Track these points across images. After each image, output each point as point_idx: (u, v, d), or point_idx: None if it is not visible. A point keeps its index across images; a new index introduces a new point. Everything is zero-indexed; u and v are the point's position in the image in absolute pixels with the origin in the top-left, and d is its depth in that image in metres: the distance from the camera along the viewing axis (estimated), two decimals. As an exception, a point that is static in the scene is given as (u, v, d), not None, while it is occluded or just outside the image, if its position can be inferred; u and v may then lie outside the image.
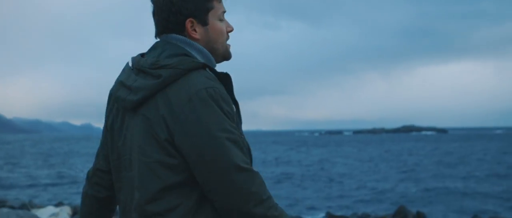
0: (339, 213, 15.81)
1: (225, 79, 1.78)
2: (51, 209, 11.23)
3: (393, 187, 24.91)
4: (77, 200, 18.84)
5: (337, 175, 31.01)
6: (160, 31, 1.82)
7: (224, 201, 1.64)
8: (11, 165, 39.72)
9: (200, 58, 1.78)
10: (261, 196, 1.64)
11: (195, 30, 1.79)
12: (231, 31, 1.88)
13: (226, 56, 1.88)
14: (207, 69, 1.74)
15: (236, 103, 1.79)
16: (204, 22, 1.79)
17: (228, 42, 1.89)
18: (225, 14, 1.86)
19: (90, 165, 2.05)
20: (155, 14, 1.82)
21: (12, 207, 11.87)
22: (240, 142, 1.67)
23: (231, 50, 1.91)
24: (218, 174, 1.61)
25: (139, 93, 1.70)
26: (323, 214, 16.53)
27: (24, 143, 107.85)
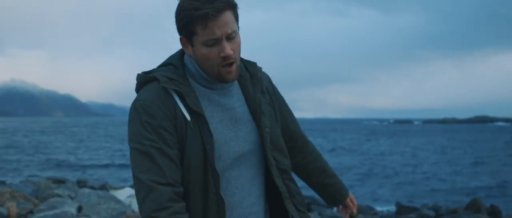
0: (409, 205, 15.55)
1: (178, 93, 1.86)
2: (128, 191, 11.66)
3: (466, 179, 24.23)
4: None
5: (406, 166, 30.45)
6: None
7: None
8: (84, 148, 41.41)
9: (193, 71, 1.92)
10: (147, 212, 1.72)
11: (187, 48, 1.92)
12: (225, 57, 1.82)
13: (220, 79, 1.88)
14: (162, 83, 1.84)
15: (196, 113, 1.84)
16: (191, 43, 1.87)
17: (231, 65, 1.85)
18: (222, 40, 1.81)
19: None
20: None
21: (92, 188, 12.43)
22: (152, 154, 1.76)
23: (236, 72, 1.89)
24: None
25: None
26: (393, 205, 16.33)
27: (99, 125, 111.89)
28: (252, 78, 2.02)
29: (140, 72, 1.94)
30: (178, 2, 1.84)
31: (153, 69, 1.94)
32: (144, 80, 1.91)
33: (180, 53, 1.97)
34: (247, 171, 1.95)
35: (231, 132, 1.90)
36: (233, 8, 1.83)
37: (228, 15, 1.80)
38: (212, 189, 1.84)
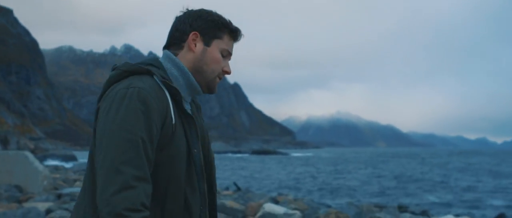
0: None
1: (174, 92, 1.80)
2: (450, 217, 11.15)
3: None
4: (474, 213, 18.26)
5: None
6: (166, 43, 1.96)
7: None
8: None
9: (177, 75, 1.88)
10: (116, 208, 1.59)
11: (195, 44, 1.89)
12: (227, 72, 1.96)
13: (210, 87, 1.95)
14: (155, 76, 1.78)
15: (189, 117, 1.84)
16: (206, 43, 1.90)
17: (220, 78, 1.97)
18: (229, 57, 1.96)
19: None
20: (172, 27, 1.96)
21: (413, 213, 12.31)
22: (139, 144, 1.65)
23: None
24: (98, 167, 1.65)
25: (101, 92, 1.86)
26: None
27: (422, 155, 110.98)
28: (197, 108, 2.05)
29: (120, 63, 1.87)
30: (198, 10, 1.93)
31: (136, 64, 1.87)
32: (133, 70, 1.80)
33: (157, 58, 1.93)
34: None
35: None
36: None
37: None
38: (198, 193, 1.85)
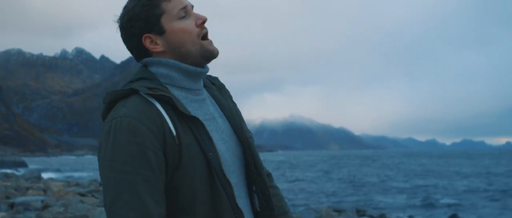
0: None
1: (165, 99, 1.59)
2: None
3: None
4: (430, 214, 18.71)
5: None
6: (136, 57, 1.75)
7: None
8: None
9: (167, 71, 1.68)
10: None
11: (156, 44, 1.68)
12: (202, 22, 1.69)
13: (206, 54, 1.70)
14: (141, 92, 1.58)
15: (193, 119, 1.62)
16: (160, 31, 1.67)
17: (208, 36, 1.71)
18: (189, 8, 1.69)
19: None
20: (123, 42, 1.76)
21: (371, 216, 12.48)
22: (135, 182, 1.50)
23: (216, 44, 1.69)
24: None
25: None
26: None
27: (375, 157, 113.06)
28: (220, 89, 1.86)
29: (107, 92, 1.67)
30: (122, 11, 1.70)
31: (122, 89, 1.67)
32: (116, 97, 1.61)
33: (143, 68, 1.72)
34: (240, 182, 1.74)
35: (223, 144, 1.69)
36: None
37: None
38: (225, 198, 1.62)
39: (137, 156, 1.50)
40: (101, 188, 14.16)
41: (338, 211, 14.34)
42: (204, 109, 1.72)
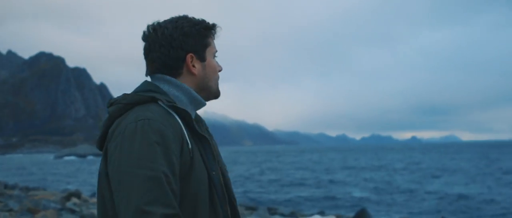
0: None
1: (184, 114, 1.71)
2: (317, 218, 11.62)
3: None
4: (340, 209, 19.30)
5: None
6: (154, 69, 1.81)
7: None
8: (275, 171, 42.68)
9: (179, 94, 1.79)
10: None
11: (194, 66, 1.82)
12: (221, 71, 1.91)
13: (217, 94, 1.92)
14: (160, 102, 1.69)
15: (202, 138, 1.75)
16: (202, 58, 1.84)
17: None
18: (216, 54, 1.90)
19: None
20: (150, 50, 1.81)
21: (282, 214, 12.64)
22: (162, 180, 1.54)
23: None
24: (123, 211, 1.53)
25: (100, 132, 1.76)
26: None
27: (287, 152, 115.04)
28: (197, 122, 1.92)
29: (116, 97, 1.76)
30: (171, 23, 1.80)
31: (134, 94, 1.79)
32: (136, 100, 1.71)
33: (150, 83, 1.81)
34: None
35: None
36: None
37: None
38: (221, 216, 1.74)
39: (164, 158, 1.57)
40: None
41: (251, 209, 14.44)
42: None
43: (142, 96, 1.70)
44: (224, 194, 1.75)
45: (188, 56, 1.80)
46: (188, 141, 1.67)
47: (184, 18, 1.83)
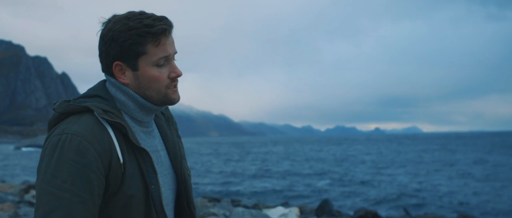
0: None
1: (119, 126, 1.61)
2: (280, 210, 11.64)
3: None
4: (304, 200, 19.41)
5: None
6: (102, 68, 1.72)
7: None
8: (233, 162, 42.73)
9: (125, 99, 1.68)
10: None
11: (124, 74, 1.67)
12: (176, 76, 1.70)
13: (166, 101, 1.72)
14: (96, 112, 1.59)
15: (142, 151, 1.64)
16: (133, 67, 1.66)
17: (176, 86, 1.72)
18: (170, 59, 1.69)
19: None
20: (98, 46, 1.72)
21: (246, 207, 12.62)
22: (72, 201, 1.48)
23: (180, 94, 1.75)
24: None
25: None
26: None
27: (251, 144, 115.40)
28: (167, 120, 1.89)
29: (59, 101, 1.68)
30: (111, 24, 1.64)
31: (77, 99, 1.67)
32: (71, 110, 1.62)
33: (103, 85, 1.72)
34: (171, 216, 1.80)
35: (161, 177, 1.73)
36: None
37: (172, 35, 1.70)
38: None
39: (79, 177, 1.50)
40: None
41: (214, 200, 14.38)
42: (150, 141, 1.74)
43: (77, 107, 1.61)
44: (163, 209, 1.67)
45: (115, 65, 1.66)
46: (120, 156, 1.58)
47: (127, 18, 1.63)
